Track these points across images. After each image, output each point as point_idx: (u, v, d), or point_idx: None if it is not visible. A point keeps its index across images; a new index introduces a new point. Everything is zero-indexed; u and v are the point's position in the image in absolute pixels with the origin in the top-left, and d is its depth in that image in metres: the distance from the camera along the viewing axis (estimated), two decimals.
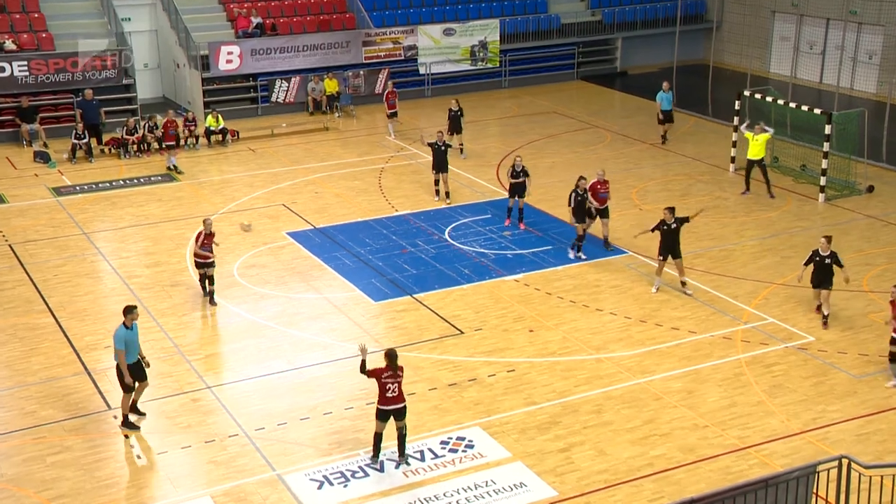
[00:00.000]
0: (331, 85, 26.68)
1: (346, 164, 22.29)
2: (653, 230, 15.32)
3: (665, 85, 23.48)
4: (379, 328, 14.57)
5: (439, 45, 28.51)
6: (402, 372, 10.99)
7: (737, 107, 21.36)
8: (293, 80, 26.75)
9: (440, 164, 19.38)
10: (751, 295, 15.36)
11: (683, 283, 15.28)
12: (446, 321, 14.73)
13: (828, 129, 19.23)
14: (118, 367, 11.68)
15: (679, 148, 23.35)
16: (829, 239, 14.22)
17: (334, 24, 27.91)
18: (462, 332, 14.33)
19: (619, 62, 31.42)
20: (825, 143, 19.34)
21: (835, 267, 14.16)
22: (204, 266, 15.12)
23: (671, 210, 15.20)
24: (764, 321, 14.50)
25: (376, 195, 20.23)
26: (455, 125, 22.19)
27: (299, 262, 16.92)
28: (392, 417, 11.00)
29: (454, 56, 28.82)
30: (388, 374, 10.87)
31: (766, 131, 19.27)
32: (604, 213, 16.57)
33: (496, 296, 15.56)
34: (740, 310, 14.89)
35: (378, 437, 11.10)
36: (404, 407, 11.00)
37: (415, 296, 15.53)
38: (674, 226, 15.10)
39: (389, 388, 10.87)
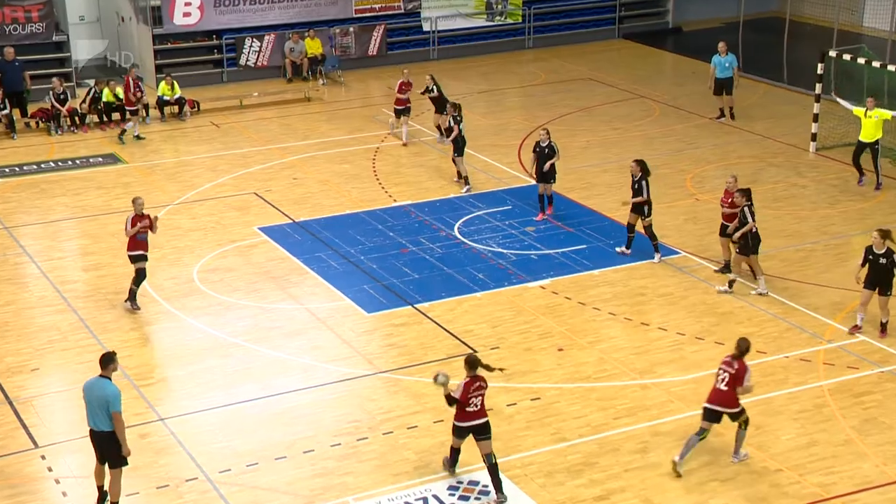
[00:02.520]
0: (313, 45, 26.81)
1: (333, 144, 22.40)
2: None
3: (721, 46, 23.41)
4: (372, 346, 14.65)
5: None
6: (486, 382, 11.43)
7: (820, 71, 21.36)
8: (266, 38, 26.88)
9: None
10: (836, 306, 15.39)
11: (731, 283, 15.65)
12: (456, 338, 14.81)
13: None
14: (114, 435, 10.96)
15: (745, 123, 23.37)
16: (884, 234, 14.18)
17: None
18: (476, 352, 14.40)
19: (672, 16, 31.43)
20: None
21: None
22: (137, 260, 15.19)
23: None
24: (853, 339, 14.54)
25: (370, 182, 20.34)
26: (440, 105, 22.24)
27: (274, 264, 17.02)
28: (472, 435, 11.34)
29: (466, 9, 28.91)
30: (475, 385, 11.31)
31: (878, 108, 19.16)
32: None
33: (517, 306, 15.63)
34: (822, 325, 14.92)
35: (455, 452, 11.58)
36: (486, 423, 11.38)
37: (417, 306, 15.62)
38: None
39: (472, 401, 11.34)
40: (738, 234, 15.44)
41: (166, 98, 23.91)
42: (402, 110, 22.10)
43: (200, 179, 20.49)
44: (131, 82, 22.76)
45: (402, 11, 28.25)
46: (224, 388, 13.70)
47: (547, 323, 15.14)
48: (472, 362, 11.47)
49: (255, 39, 26.70)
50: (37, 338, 14.73)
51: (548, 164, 18.04)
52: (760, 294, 15.59)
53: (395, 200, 19.38)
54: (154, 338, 15.02)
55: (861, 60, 20.90)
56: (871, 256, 14.30)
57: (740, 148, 21.96)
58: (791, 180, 20.18)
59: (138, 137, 22.02)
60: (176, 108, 24.12)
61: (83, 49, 26.82)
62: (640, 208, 16.55)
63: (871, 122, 19.24)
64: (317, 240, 17.81)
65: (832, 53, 21.50)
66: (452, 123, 19.48)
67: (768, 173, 20.55)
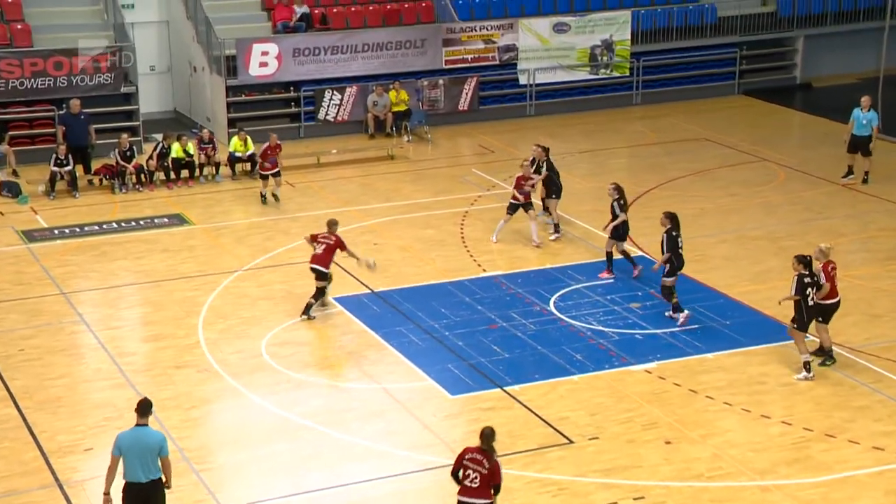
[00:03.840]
0: (399, 98, 27.37)
1: (417, 206, 22.69)
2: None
3: (865, 100, 23.34)
4: (456, 432, 14.66)
5: (548, 46, 29.02)
6: (493, 462, 11.47)
7: None
8: (348, 90, 27.52)
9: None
10: None
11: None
12: (550, 425, 14.74)
13: None
14: (160, 482, 11.65)
15: (885, 191, 23.01)
16: None
17: (405, 17, 28.73)
18: (571, 442, 14.31)
19: (801, 70, 31.33)
20: None
21: None
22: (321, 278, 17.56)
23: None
24: None
25: (457, 249, 20.52)
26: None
27: (350, 338, 17.23)
28: None
29: (567, 60, 29.24)
30: (470, 455, 11.56)
31: None
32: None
33: (619, 392, 15.52)
34: None
35: None
36: None
37: (507, 389, 15.61)
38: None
39: (468, 474, 11.55)
40: (784, 298, 15.84)
41: (238, 154, 24.60)
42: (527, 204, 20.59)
43: (272, 243, 20.91)
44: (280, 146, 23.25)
45: (497, 63, 28.70)
46: (291, 474, 13.80)
47: (653, 412, 14.98)
48: (483, 434, 11.57)
49: (335, 92, 27.35)
50: (91, 415, 15.08)
51: (611, 223, 18.76)
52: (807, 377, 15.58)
53: (484, 270, 19.50)
54: (216, 417, 15.26)
55: None
56: None
57: (879, 218, 21.62)
58: None
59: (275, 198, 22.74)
60: (248, 166, 24.77)
61: (151, 101, 27.82)
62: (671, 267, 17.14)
63: None
64: (397, 312, 17.97)
65: None
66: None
67: None
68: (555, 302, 18.18)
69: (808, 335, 16.07)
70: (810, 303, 15.61)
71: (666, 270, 17.35)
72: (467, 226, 21.52)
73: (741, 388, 15.48)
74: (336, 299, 18.42)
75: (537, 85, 28.94)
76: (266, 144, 22.91)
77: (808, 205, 22.43)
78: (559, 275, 19.21)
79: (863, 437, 14.24)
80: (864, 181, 23.23)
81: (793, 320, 15.77)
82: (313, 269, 17.76)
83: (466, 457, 11.65)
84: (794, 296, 15.59)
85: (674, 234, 17.45)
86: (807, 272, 15.63)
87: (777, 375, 15.80)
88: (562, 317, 17.66)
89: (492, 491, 11.56)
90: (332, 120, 27.50)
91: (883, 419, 14.67)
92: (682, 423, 14.67)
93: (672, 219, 17.46)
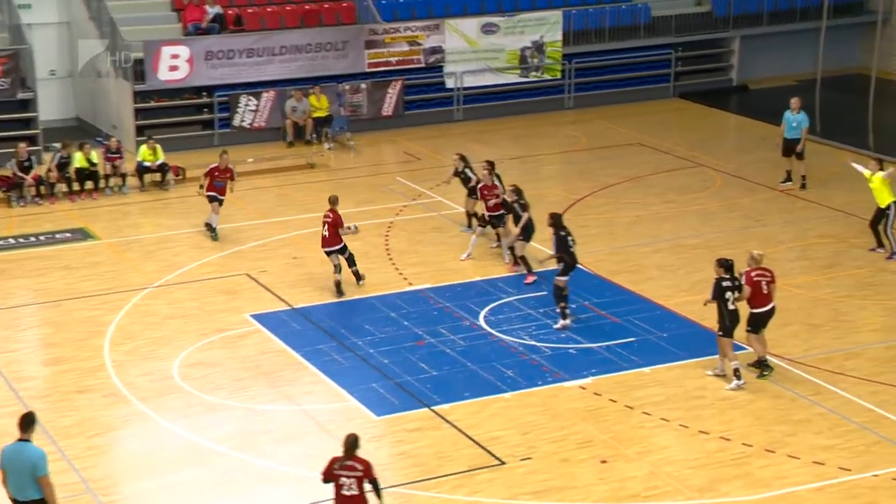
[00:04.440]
0: (319, 104, 27.27)
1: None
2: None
3: (794, 102, 23.73)
4: (381, 455, 14.58)
5: (475, 48, 29.12)
6: (363, 461, 11.87)
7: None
8: (265, 96, 27.36)
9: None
10: None
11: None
12: (480, 446, 14.73)
13: None
14: (44, 503, 11.55)
15: (824, 196, 23.42)
16: None
17: (325, 17, 28.65)
18: (503, 463, 14.31)
19: (737, 72, 31.79)
20: None
21: None
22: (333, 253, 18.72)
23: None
24: None
25: (381, 262, 20.47)
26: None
27: (267, 357, 17.08)
28: None
29: (496, 63, 29.39)
30: (339, 464, 11.89)
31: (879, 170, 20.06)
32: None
33: (552, 409, 15.55)
34: None
35: None
36: None
37: (434, 408, 15.58)
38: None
39: (345, 482, 11.86)
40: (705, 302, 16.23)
41: (147, 164, 24.30)
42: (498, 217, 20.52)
43: (183, 258, 20.68)
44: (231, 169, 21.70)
45: (423, 66, 28.73)
46: (202, 503, 13.58)
47: (587, 429, 15.03)
48: (347, 441, 11.86)
49: (251, 97, 27.17)
50: None
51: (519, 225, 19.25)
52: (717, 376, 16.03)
53: (410, 284, 19.46)
54: (122, 444, 15.03)
55: None
56: None
57: (818, 225, 21.98)
58: (879, 265, 20.13)
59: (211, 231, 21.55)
60: (158, 176, 24.48)
61: (52, 107, 27.35)
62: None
63: (873, 187, 20.19)
64: (318, 329, 17.85)
65: None
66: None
67: (851, 256, 20.53)
68: (485, 316, 18.19)
69: (745, 346, 16.28)
70: (731, 307, 15.80)
71: (560, 270, 17.65)
72: (392, 237, 21.46)
73: (679, 403, 15.61)
74: (253, 317, 18.25)
75: (465, 88, 29.00)
76: (214, 165, 21.43)
77: (745, 212, 22.74)
78: (489, 288, 19.24)
79: (803, 451, 14.43)
80: (802, 186, 23.62)
81: (718, 328, 15.99)
82: (329, 252, 18.85)
83: (335, 466, 11.91)
84: (711, 300, 15.88)
85: (562, 233, 17.77)
86: (727, 276, 15.86)
87: (715, 389, 15.96)
88: (492, 331, 17.68)
89: (369, 486, 11.90)
90: (248, 127, 27.30)
91: (823, 432, 14.88)
92: (618, 441, 14.74)
93: (556, 219, 17.90)
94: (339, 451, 14.44)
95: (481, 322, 18.02)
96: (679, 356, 16.83)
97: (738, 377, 15.89)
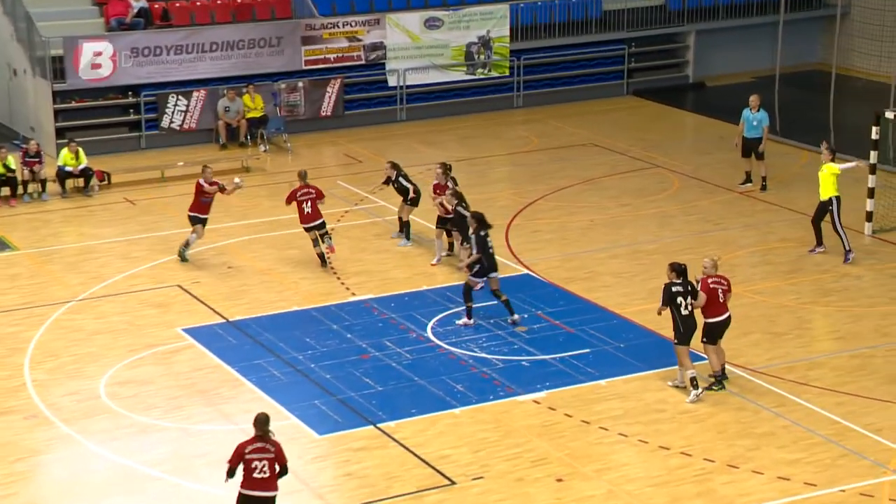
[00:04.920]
0: (253, 103, 27.18)
1: (277, 224, 22.53)
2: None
3: (754, 99, 24.02)
4: (325, 476, 14.57)
5: (419, 44, 29.19)
6: (276, 443, 12.45)
7: (874, 136, 21.85)
8: (195, 95, 27.23)
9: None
10: None
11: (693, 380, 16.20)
12: (429, 465, 14.74)
13: None
14: None
15: (786, 198, 23.74)
16: None
17: (258, 12, 28.57)
18: (453, 483, 14.33)
19: (693, 69, 32.14)
20: None
21: None
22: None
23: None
24: None
25: (322, 271, 20.45)
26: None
27: (202, 374, 16.99)
28: None
29: (441, 59, 29.46)
30: (251, 447, 12.41)
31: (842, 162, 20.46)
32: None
33: (505, 426, 15.62)
34: (887, 450, 14.98)
35: None
36: (274, 497, 12.48)
37: (380, 426, 15.59)
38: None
39: (257, 466, 12.38)
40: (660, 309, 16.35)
41: (69, 169, 24.07)
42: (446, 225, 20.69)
43: (110, 269, 20.52)
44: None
45: (363, 63, 28.74)
46: None
47: (542, 446, 15.10)
48: (258, 420, 12.47)
49: (180, 97, 27.02)
50: None
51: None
52: (678, 387, 16.28)
53: (353, 294, 19.45)
54: (46, 470, 14.84)
55: None
56: None
57: (780, 228, 22.28)
58: (842, 269, 20.44)
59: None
60: (81, 182, 24.26)
61: None
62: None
63: (821, 176, 20.57)
64: (256, 343, 17.79)
65: (889, 115, 21.99)
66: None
67: (814, 261, 20.82)
68: (433, 327, 18.23)
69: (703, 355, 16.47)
70: (684, 312, 15.99)
71: (475, 271, 17.97)
72: (335, 245, 21.42)
73: (638, 417, 15.73)
74: (186, 331, 18.16)
75: (408, 87, 29.05)
76: (200, 181, 20.81)
77: (704, 215, 23.00)
78: (437, 297, 19.27)
79: (767, 466, 14.59)
80: (763, 188, 23.94)
81: (674, 336, 16.23)
82: (310, 228, 20.08)
83: (247, 450, 12.35)
84: (662, 306, 16.11)
85: (482, 233, 17.99)
86: (678, 281, 16.06)
87: (675, 402, 16.11)
88: (441, 344, 17.71)
89: (277, 471, 12.43)
90: (178, 128, 27.15)
91: (787, 446, 15.06)
92: (575, 458, 14.83)
93: (480, 219, 18.13)
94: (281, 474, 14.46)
95: (429, 334, 18.05)
96: (637, 367, 16.97)
97: (695, 386, 16.08)
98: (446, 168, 20.82)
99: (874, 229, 21.76)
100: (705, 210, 23.25)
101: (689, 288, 16.12)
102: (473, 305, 18.23)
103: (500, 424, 15.60)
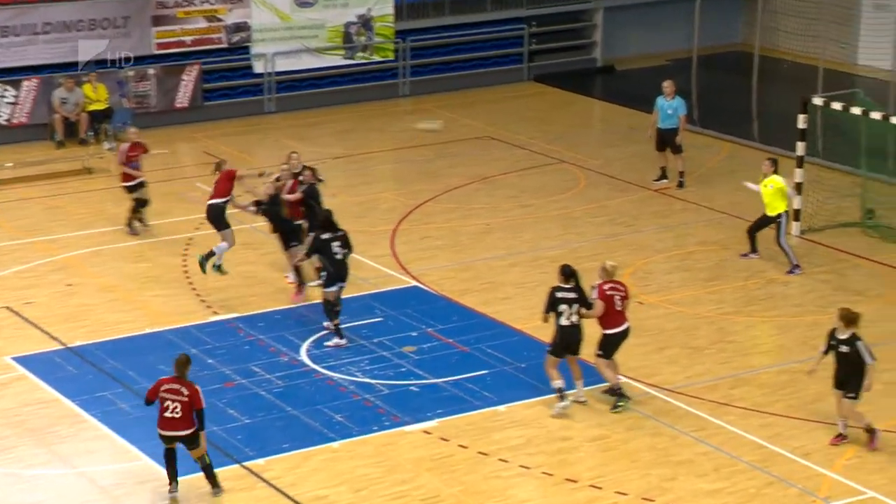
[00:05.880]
0: (96, 94, 26.83)
1: (125, 234, 22.29)
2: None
3: (668, 86, 24.35)
4: None
5: (289, 24, 29.13)
6: (192, 387, 14.25)
7: (802, 124, 22.29)
8: (26, 85, 26.83)
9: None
10: (834, 450, 15.81)
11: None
12: None
13: None
14: None
15: (705, 195, 24.13)
16: (847, 317, 15.41)
17: None
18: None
19: (601, 51, 32.50)
20: None
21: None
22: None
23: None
24: (860, 496, 14.88)
25: (179, 287, 20.27)
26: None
27: (35, 410, 16.70)
28: (182, 444, 14.42)
29: (315, 42, 29.43)
30: (166, 386, 14.32)
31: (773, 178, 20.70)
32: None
33: (391, 460, 15.61)
34: (816, 476, 15.27)
35: (168, 455, 14.53)
36: (192, 434, 14.30)
37: (247, 464, 15.47)
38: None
39: (169, 405, 14.23)
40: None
41: None
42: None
43: None
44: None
45: (225, 46, 28.58)
46: None
47: (432, 482, 15.10)
48: (177, 361, 14.42)
49: (7, 87, 26.63)
50: None
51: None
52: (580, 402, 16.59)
53: (215, 313, 19.34)
54: None
55: (856, 110, 21.89)
56: (832, 342, 15.57)
57: (699, 230, 22.62)
58: (768, 275, 20.82)
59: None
60: None
61: None
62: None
63: (766, 193, 20.71)
64: (100, 372, 17.57)
65: (817, 101, 22.45)
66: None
67: (737, 266, 21.18)
68: (307, 349, 18.18)
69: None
70: (563, 322, 16.19)
71: (324, 279, 18.11)
72: (192, 256, 21.24)
73: (541, 447, 15.82)
74: (16, 360, 17.85)
75: (277, 74, 28.98)
76: (126, 145, 21.74)
77: (614, 216, 23.25)
78: (311, 315, 19.21)
79: (685, 498, 14.75)
80: (680, 185, 24.29)
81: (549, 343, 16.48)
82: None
83: (162, 388, 14.21)
84: (545, 313, 16.37)
85: (324, 236, 18.04)
86: (567, 286, 16.26)
87: (584, 427, 16.25)
88: (317, 368, 17.67)
89: (194, 417, 14.21)
90: (6, 123, 26.73)
91: (708, 475, 15.24)
92: (469, 494, 14.85)
93: (325, 221, 18.24)
94: None
95: (303, 357, 17.99)
96: (541, 390, 17.02)
97: (562, 398, 16.27)
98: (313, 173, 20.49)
99: (802, 229, 22.22)
100: (615, 210, 23.52)
101: (579, 295, 16.28)
102: (339, 322, 18.26)
103: (384, 458, 15.58)
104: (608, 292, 16.41)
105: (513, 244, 21.97)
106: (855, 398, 15.39)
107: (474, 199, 24.09)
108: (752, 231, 21.06)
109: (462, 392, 17.09)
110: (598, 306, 16.33)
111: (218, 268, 19.89)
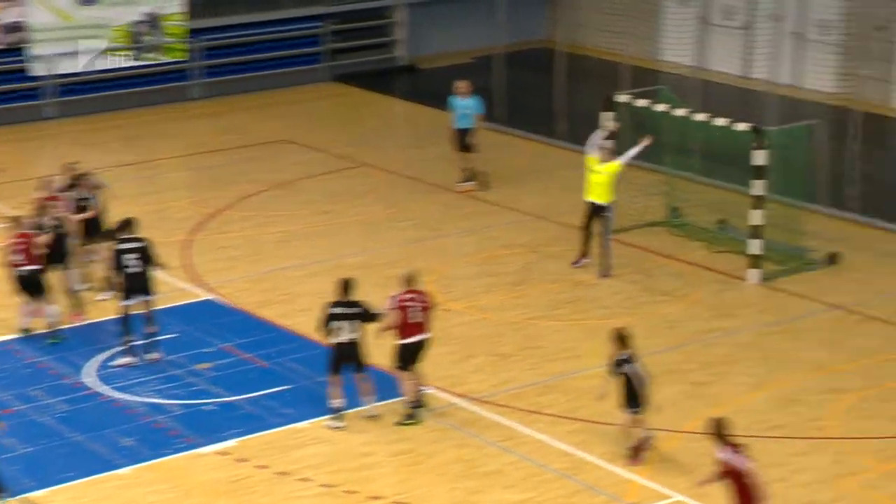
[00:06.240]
0: None
1: None
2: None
3: (462, 86, 24.51)
4: None
5: (70, 23, 28.64)
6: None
7: (607, 122, 22.73)
8: None
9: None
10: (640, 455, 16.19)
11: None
12: None
13: (760, 158, 20.80)
14: None
15: (509, 197, 24.49)
16: (621, 338, 15.75)
17: None
18: None
19: (404, 49, 32.71)
20: (756, 183, 20.87)
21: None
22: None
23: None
24: (666, 500, 15.21)
25: None
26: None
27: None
28: None
29: (98, 42, 28.96)
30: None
31: (613, 158, 20.83)
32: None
33: (184, 485, 15.46)
34: (623, 482, 15.56)
35: None
36: None
37: (28, 495, 15.13)
38: None
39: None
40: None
41: None
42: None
43: None
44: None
45: (2, 47, 27.96)
46: None
47: None
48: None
49: None
50: None
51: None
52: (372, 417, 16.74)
53: None
54: None
55: (660, 107, 22.41)
56: (611, 365, 15.81)
57: (504, 233, 22.94)
58: (575, 277, 21.22)
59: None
60: None
61: None
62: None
63: (599, 178, 20.86)
64: None
65: (622, 98, 22.92)
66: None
67: (544, 269, 21.55)
68: (95, 370, 17.94)
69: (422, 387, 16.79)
70: (341, 338, 16.25)
71: (112, 295, 18.11)
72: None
73: (344, 464, 15.84)
74: None
75: (59, 76, 28.51)
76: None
77: (418, 220, 23.45)
78: (97, 333, 18.94)
79: None
80: (467, 182, 24.35)
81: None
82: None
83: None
84: (322, 331, 16.33)
85: (121, 247, 17.92)
86: (346, 300, 16.28)
87: (387, 442, 16.32)
88: (104, 389, 17.41)
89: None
90: None
91: (516, 485, 15.44)
92: None
93: (120, 226, 18.12)
94: None
95: (89, 378, 17.71)
96: (346, 404, 17.12)
97: (337, 419, 16.41)
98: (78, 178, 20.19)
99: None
100: (419, 215, 23.72)
101: (359, 309, 16.33)
102: (131, 339, 18.08)
103: (177, 483, 15.42)
104: (404, 303, 16.53)
105: (312, 252, 21.98)
106: (638, 412, 15.64)
107: (272, 206, 24.05)
108: (586, 228, 20.99)
109: (261, 410, 17.02)
110: (392, 316, 16.44)
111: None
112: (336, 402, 16.47)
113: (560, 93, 27.54)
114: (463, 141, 24.46)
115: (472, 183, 24.65)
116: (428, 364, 17.03)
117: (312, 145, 27.15)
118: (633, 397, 15.57)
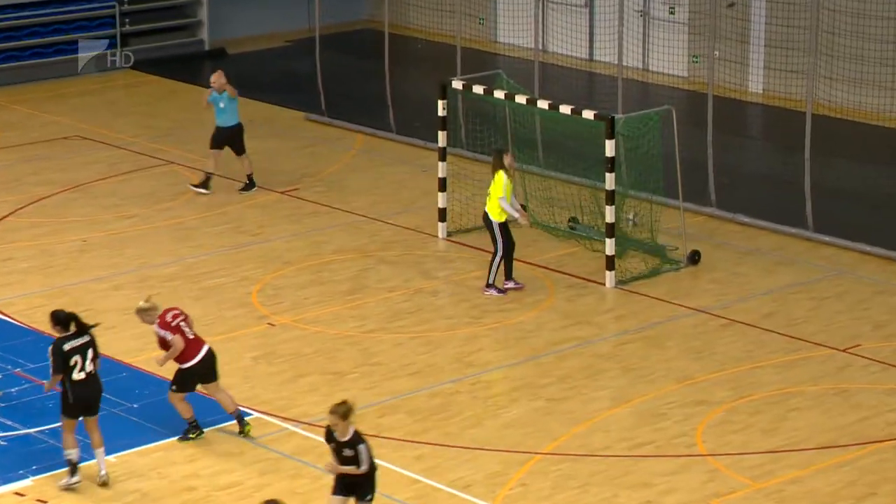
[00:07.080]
0: None
1: None
2: None
3: (214, 79, 24.28)
4: None
5: None
6: None
7: (441, 111, 22.80)
8: None
9: None
10: (496, 478, 16.15)
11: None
12: None
13: (610, 149, 21.02)
14: None
15: (338, 197, 24.53)
16: (344, 413, 14.25)
17: None
18: None
19: (209, 32, 32.48)
20: (608, 175, 21.05)
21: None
22: None
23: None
24: None
25: None
26: None
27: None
28: None
29: None
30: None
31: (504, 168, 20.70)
32: None
33: None
34: None
35: None
36: None
37: None
38: None
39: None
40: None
41: None
42: None
43: None
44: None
45: None
46: None
47: None
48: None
49: None
50: None
51: None
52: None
53: None
54: None
55: (499, 94, 22.57)
56: (332, 445, 14.43)
57: (336, 236, 22.96)
58: (415, 284, 21.30)
59: None
60: None
61: None
62: None
63: (495, 189, 20.69)
64: None
65: (456, 84, 23.04)
66: None
67: (379, 275, 21.60)
68: None
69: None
70: (76, 376, 15.65)
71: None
72: None
73: (162, 501, 15.65)
74: None
75: None
76: None
77: (237, 223, 23.36)
78: None
79: None
80: (248, 187, 24.51)
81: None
82: None
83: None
84: (53, 376, 15.70)
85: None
86: (71, 332, 15.70)
87: (212, 474, 16.16)
88: None
89: None
90: None
91: None
92: None
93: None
94: None
95: None
96: (159, 434, 16.93)
97: (73, 472, 15.85)
98: None
99: (449, 231, 22.82)
100: (239, 217, 23.66)
101: (90, 339, 15.85)
102: None
103: None
104: (174, 322, 16.46)
105: (116, 263, 21.73)
106: (370, 500, 14.52)
107: (67, 210, 23.74)
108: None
109: (61, 443, 16.67)
110: (178, 342, 16.33)
111: None
112: (71, 454, 15.81)
113: (387, 79, 27.51)
114: (222, 139, 24.23)
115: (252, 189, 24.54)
116: (254, 385, 16.94)
117: (109, 142, 26.83)
118: (362, 484, 14.31)
